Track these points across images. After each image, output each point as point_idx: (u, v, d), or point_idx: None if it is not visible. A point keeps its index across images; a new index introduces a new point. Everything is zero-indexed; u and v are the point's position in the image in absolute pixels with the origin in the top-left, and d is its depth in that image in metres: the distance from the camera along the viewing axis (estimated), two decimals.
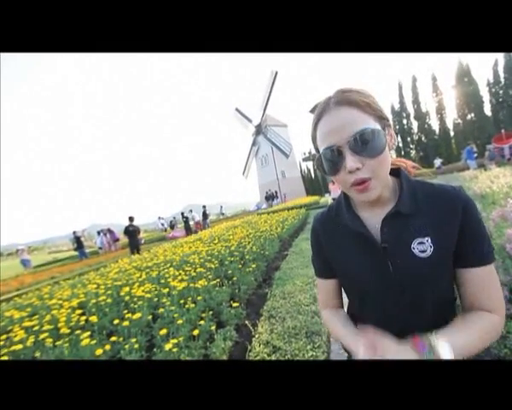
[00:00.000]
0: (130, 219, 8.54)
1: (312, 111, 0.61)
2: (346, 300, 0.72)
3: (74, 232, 12.28)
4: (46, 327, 2.44)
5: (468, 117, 22.98)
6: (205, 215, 14.54)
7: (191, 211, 14.23)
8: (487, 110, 22.50)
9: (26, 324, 2.60)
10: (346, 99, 0.51)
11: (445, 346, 0.47)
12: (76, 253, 12.91)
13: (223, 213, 25.51)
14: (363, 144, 0.49)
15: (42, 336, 2.23)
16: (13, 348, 2.10)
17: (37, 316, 2.86)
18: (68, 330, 2.32)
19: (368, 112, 0.51)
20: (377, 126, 0.51)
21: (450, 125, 24.36)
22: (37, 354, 2.00)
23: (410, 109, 26.20)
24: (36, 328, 2.48)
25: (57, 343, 2.10)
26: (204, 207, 14.76)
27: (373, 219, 0.59)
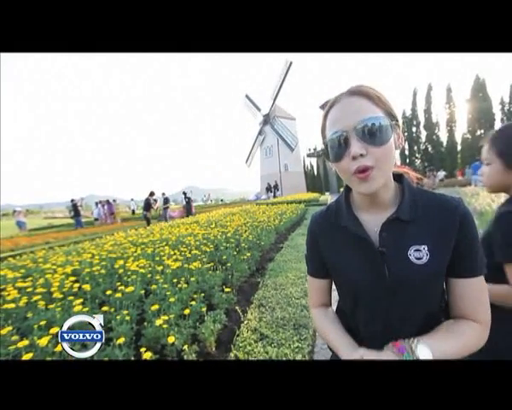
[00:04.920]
0: (151, 193, 10.22)
1: (322, 107, 0.61)
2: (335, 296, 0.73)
3: (72, 200, 12.27)
4: (39, 290, 2.46)
5: (478, 133, 22.73)
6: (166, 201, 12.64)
7: (164, 194, 12.63)
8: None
9: (20, 284, 2.63)
10: (359, 90, 0.53)
11: (425, 350, 0.49)
12: (72, 221, 12.91)
13: (210, 201, 25.05)
14: (369, 132, 0.50)
15: (35, 298, 2.26)
16: (5, 306, 2.13)
17: (30, 278, 2.89)
18: (61, 296, 2.35)
19: (378, 105, 0.53)
20: (385, 120, 0.52)
21: (458, 139, 24.15)
22: (29, 315, 2.03)
23: (421, 118, 25.91)
24: (29, 290, 2.51)
25: (50, 307, 2.13)
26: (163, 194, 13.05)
27: (372, 223, 0.60)
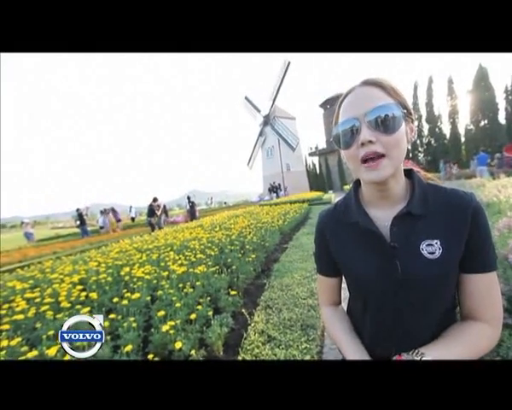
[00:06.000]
0: (154, 199, 10.15)
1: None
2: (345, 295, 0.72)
3: (78, 209, 12.39)
4: (47, 300, 2.48)
5: (481, 124, 22.39)
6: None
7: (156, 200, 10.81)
8: (501, 118, 21.96)
9: (28, 295, 2.65)
10: (373, 80, 0.54)
11: None
12: (78, 230, 13.02)
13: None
14: (380, 120, 0.50)
15: (43, 309, 2.28)
16: (14, 317, 2.15)
17: (38, 289, 2.91)
18: (69, 305, 2.37)
19: (391, 95, 0.52)
20: (397, 109, 0.51)
21: (461, 131, 23.83)
22: (38, 325, 2.04)
23: (423, 111, 25.65)
24: (37, 300, 2.53)
25: (58, 316, 2.15)
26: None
27: (383, 218, 0.59)
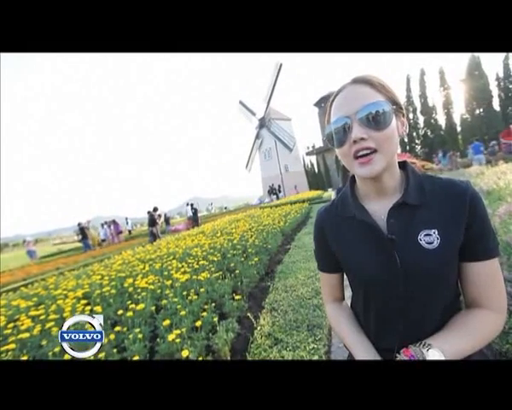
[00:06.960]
0: (154, 209, 10.28)
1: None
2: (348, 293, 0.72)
3: (79, 224, 12.40)
4: (52, 316, 2.47)
5: (477, 112, 22.43)
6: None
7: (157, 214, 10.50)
8: (496, 105, 22.00)
9: (33, 313, 2.64)
10: (362, 78, 0.55)
11: (437, 355, 0.48)
12: (80, 244, 13.00)
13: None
14: (371, 117, 0.51)
15: (48, 325, 2.27)
16: (20, 336, 2.14)
17: (43, 306, 2.91)
18: None
19: (381, 92, 0.54)
20: (387, 106, 0.52)
21: (457, 121, 23.87)
22: (44, 343, 2.03)
23: (417, 103, 25.71)
24: (42, 317, 2.52)
25: None
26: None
27: (379, 211, 0.59)
